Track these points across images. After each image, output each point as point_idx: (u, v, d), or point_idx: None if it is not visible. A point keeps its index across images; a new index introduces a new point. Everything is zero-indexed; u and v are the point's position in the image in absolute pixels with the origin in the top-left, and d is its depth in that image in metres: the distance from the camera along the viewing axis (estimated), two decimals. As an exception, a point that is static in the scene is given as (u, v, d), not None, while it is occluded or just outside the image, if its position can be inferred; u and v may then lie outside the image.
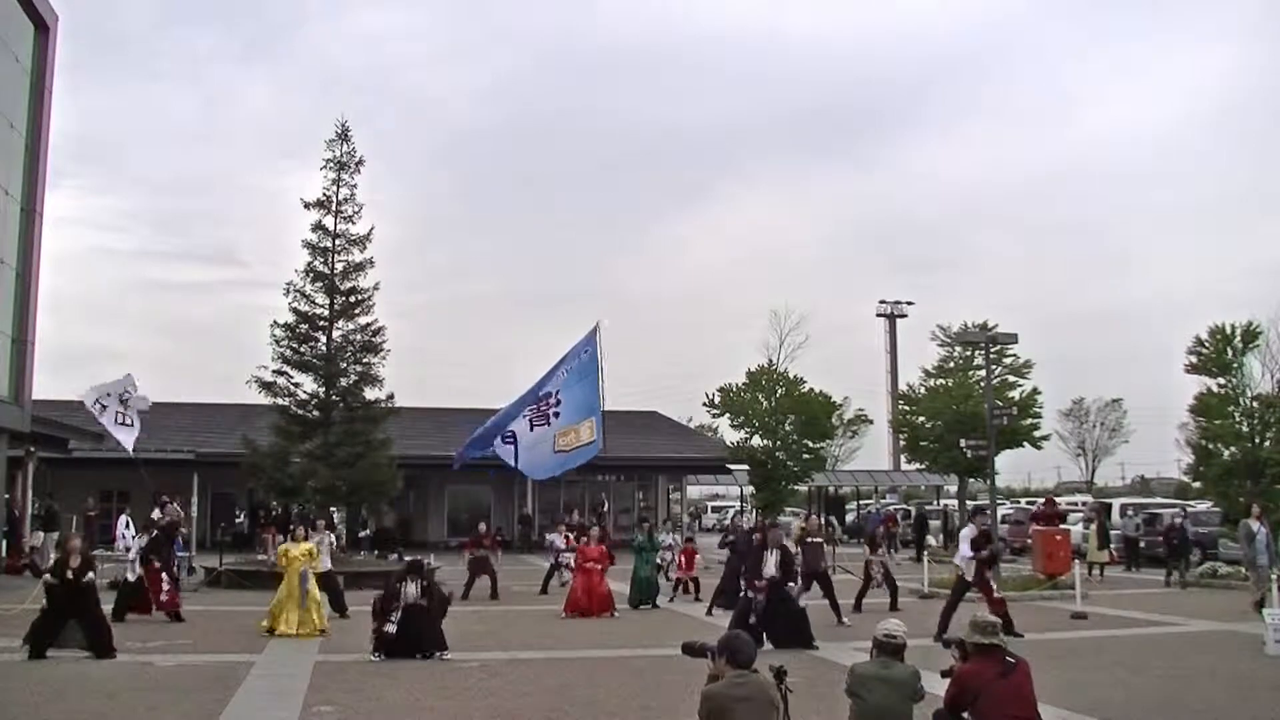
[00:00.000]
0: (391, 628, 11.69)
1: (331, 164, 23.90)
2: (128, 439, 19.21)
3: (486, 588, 18.98)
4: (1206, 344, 24.62)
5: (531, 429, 17.30)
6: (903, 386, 40.48)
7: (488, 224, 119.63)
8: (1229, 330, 24.31)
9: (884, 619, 6.51)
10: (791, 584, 13.13)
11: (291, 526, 17.41)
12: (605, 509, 36.08)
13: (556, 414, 17.28)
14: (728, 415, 33.02)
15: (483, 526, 21.07)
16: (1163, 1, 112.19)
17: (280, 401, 23.39)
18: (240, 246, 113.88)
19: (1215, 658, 12.27)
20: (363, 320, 23.85)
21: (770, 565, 13.09)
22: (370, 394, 23.76)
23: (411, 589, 12.04)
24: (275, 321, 23.58)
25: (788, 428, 32.08)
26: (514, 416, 18.10)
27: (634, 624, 15.56)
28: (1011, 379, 32.04)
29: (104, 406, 18.86)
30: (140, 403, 19.34)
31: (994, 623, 6.11)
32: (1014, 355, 31.83)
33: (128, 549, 21.24)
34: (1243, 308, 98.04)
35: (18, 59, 20.33)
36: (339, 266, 23.77)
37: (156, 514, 19.54)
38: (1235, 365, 24.25)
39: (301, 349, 23.58)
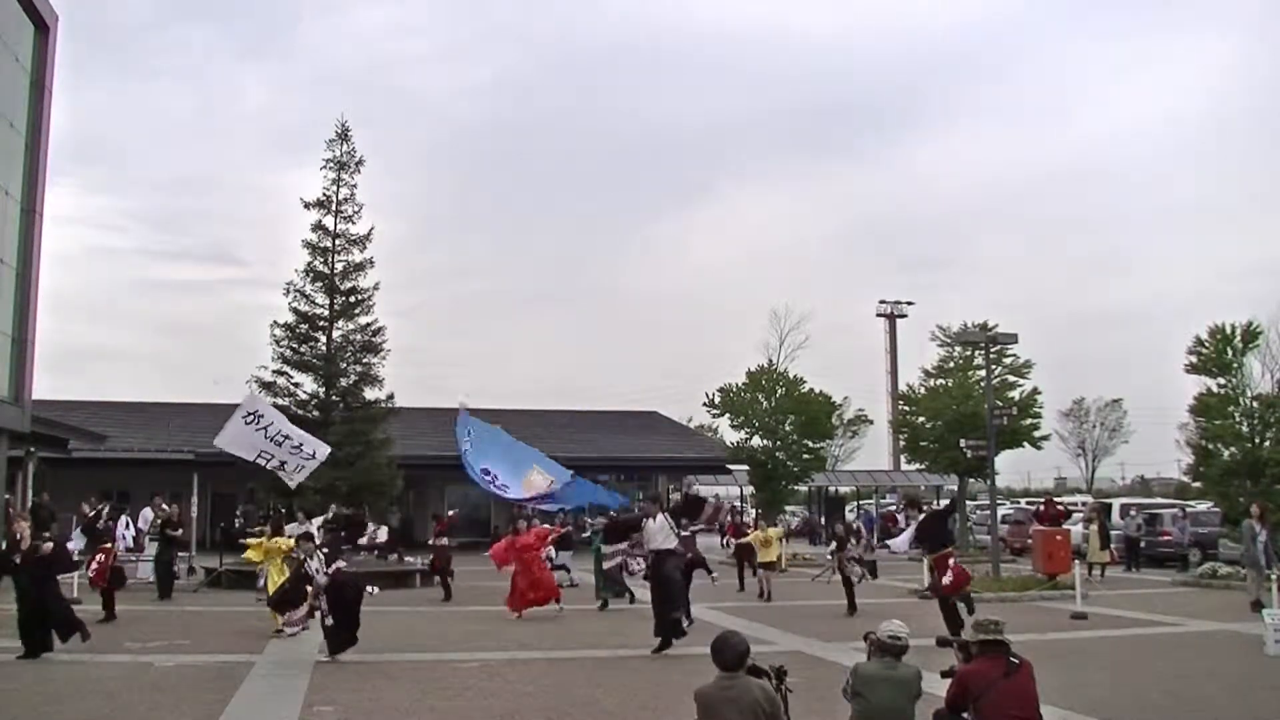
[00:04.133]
0: (326, 619, 11.73)
1: (331, 164, 23.95)
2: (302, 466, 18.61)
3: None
4: (1206, 344, 24.60)
5: (505, 496, 17.18)
6: (903, 387, 40.52)
7: (487, 223, 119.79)
8: (1229, 330, 24.29)
9: (887, 620, 6.50)
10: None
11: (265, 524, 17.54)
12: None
13: (505, 486, 16.77)
14: (728, 415, 33.02)
15: (452, 512, 21.20)
16: (1164, 1, 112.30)
17: (280, 401, 23.40)
18: (240, 246, 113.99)
19: (1215, 658, 12.28)
20: (363, 320, 23.93)
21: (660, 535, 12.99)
22: (370, 394, 23.81)
23: (313, 564, 12.06)
24: (275, 321, 23.66)
25: (788, 428, 32.08)
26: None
27: (633, 624, 15.52)
28: (1011, 379, 32.06)
29: (255, 420, 18.36)
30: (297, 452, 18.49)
31: (997, 622, 6.10)
32: (1014, 355, 31.86)
33: (128, 549, 21.36)
34: (1243, 308, 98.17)
35: (18, 59, 20.29)
36: (339, 266, 23.82)
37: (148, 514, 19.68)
38: (1235, 365, 24.23)
39: (301, 349, 23.61)
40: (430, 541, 20.26)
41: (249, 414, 17.70)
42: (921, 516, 15.02)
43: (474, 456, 16.58)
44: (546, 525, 18.52)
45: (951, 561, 13.53)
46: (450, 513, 21.66)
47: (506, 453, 16.66)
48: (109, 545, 15.87)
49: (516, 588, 16.26)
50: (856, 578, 16.82)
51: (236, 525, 29.36)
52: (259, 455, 17.68)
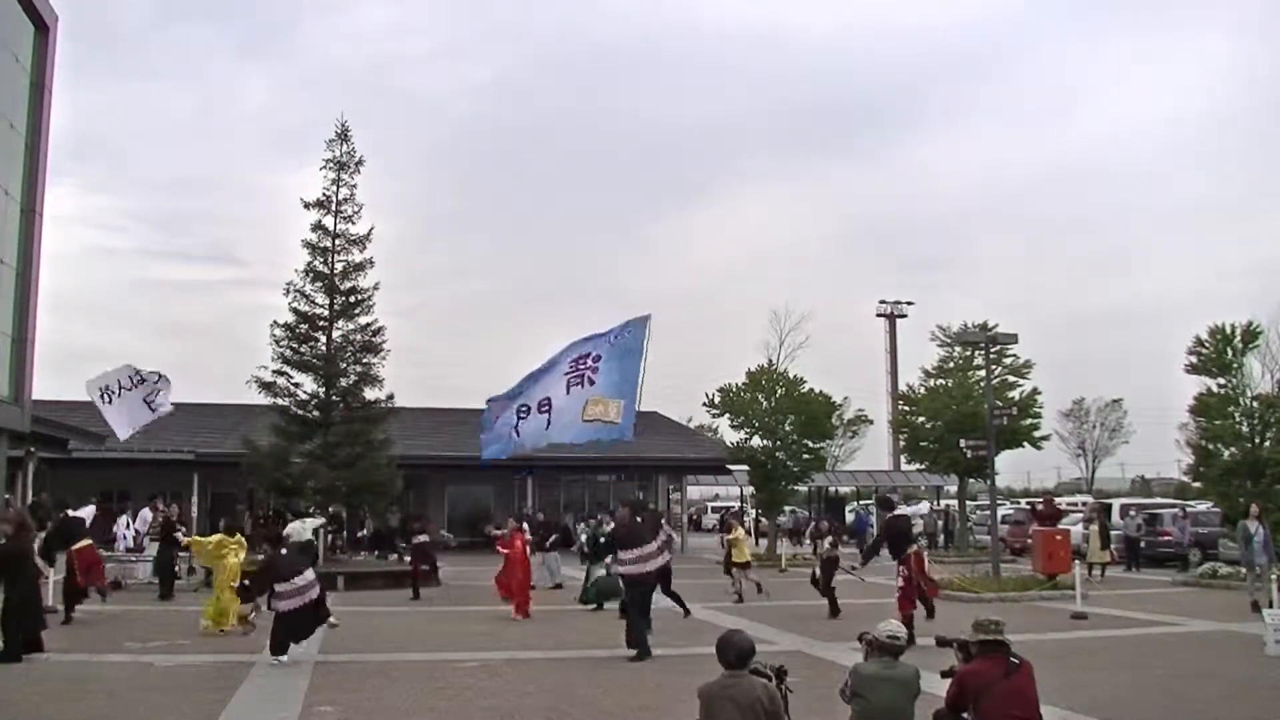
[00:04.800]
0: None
1: (331, 164, 23.90)
2: (125, 424, 19.55)
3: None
4: (1206, 344, 24.58)
5: (568, 391, 15.04)
6: (903, 387, 40.50)
7: (487, 222, 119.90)
8: (1229, 330, 24.27)
9: (885, 620, 6.50)
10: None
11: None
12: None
13: (592, 380, 14.93)
14: (728, 415, 32.98)
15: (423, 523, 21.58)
16: (1164, 1, 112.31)
17: (280, 401, 23.38)
18: (240, 246, 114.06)
19: (1215, 658, 12.27)
20: (363, 320, 23.86)
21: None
22: (370, 394, 23.76)
23: (309, 574, 11.95)
24: (275, 321, 23.60)
25: (788, 428, 32.05)
26: (547, 384, 15.52)
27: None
28: (1011, 379, 32.04)
29: (110, 397, 19.13)
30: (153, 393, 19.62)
31: (997, 622, 6.10)
32: (1014, 355, 31.84)
33: (128, 549, 21.39)
34: (1243, 308, 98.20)
35: (18, 59, 20.27)
36: (339, 266, 23.77)
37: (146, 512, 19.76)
38: (1235, 365, 24.20)
39: (301, 349, 23.56)
40: (412, 540, 20.54)
41: (102, 396, 19.09)
42: (889, 516, 15.01)
43: (605, 349, 15.50)
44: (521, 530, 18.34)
45: (902, 574, 13.21)
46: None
47: (627, 375, 15.52)
48: (82, 546, 15.09)
49: (507, 586, 16.34)
50: (820, 582, 16.33)
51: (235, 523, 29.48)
52: (136, 412, 18.89)
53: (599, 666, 11.54)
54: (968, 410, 30.36)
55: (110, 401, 19.32)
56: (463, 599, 18.63)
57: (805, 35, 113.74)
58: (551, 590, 20.03)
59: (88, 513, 17.64)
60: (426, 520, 22.05)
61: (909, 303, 67.14)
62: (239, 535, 15.15)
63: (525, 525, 19.59)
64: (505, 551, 16.94)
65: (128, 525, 22.31)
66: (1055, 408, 59.55)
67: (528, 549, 17.30)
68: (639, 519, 13.77)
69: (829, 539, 18.16)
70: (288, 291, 23.56)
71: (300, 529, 18.79)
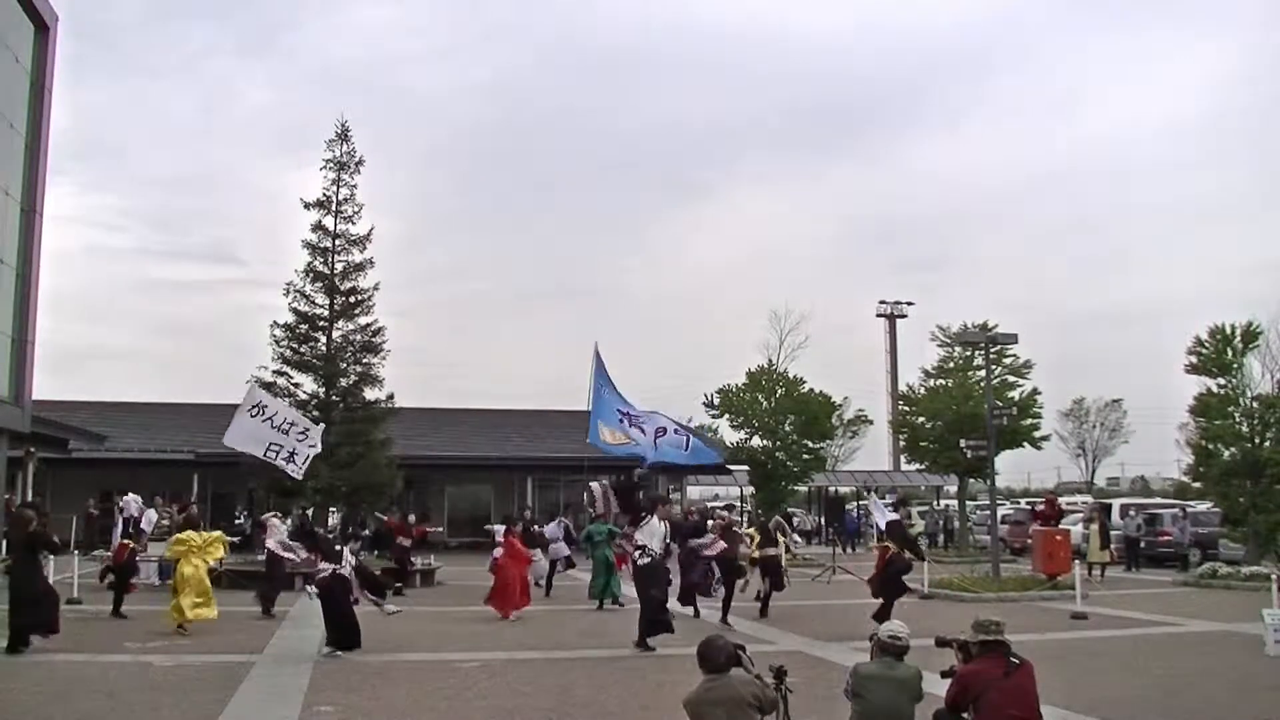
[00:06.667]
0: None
1: (331, 164, 23.92)
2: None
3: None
4: (1206, 344, 24.59)
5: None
6: (903, 387, 40.53)
7: (487, 222, 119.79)
8: (1229, 330, 24.28)
9: (887, 620, 6.49)
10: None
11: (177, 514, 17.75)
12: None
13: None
14: (727, 416, 33.02)
15: (412, 516, 22.10)
16: (1164, 0, 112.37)
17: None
18: (240, 246, 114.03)
19: (1215, 658, 12.28)
20: (363, 320, 23.89)
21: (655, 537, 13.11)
22: (370, 394, 23.78)
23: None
24: (275, 322, 23.62)
25: (788, 428, 32.08)
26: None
27: (633, 623, 15.50)
28: (1011, 379, 32.06)
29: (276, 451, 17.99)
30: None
31: (998, 622, 6.10)
32: (1014, 355, 31.88)
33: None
34: (1243, 308, 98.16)
35: (18, 59, 20.27)
36: (339, 267, 23.79)
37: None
38: (1235, 365, 24.21)
39: (301, 349, 23.58)
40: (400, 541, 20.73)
41: (253, 407, 17.47)
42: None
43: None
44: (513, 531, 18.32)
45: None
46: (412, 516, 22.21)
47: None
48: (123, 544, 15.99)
49: (511, 590, 16.25)
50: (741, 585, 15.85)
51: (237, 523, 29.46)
52: (268, 449, 17.34)
53: (599, 666, 11.54)
54: (968, 410, 30.38)
55: (255, 416, 18.54)
56: (462, 599, 18.61)
57: (805, 35, 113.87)
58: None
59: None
60: (406, 524, 21.77)
61: (909, 303, 67.19)
62: (201, 531, 15.14)
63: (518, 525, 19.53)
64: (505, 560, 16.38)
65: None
66: (1055, 408, 59.57)
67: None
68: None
69: (751, 529, 17.39)
70: (288, 292, 23.60)
71: (280, 526, 18.72)
